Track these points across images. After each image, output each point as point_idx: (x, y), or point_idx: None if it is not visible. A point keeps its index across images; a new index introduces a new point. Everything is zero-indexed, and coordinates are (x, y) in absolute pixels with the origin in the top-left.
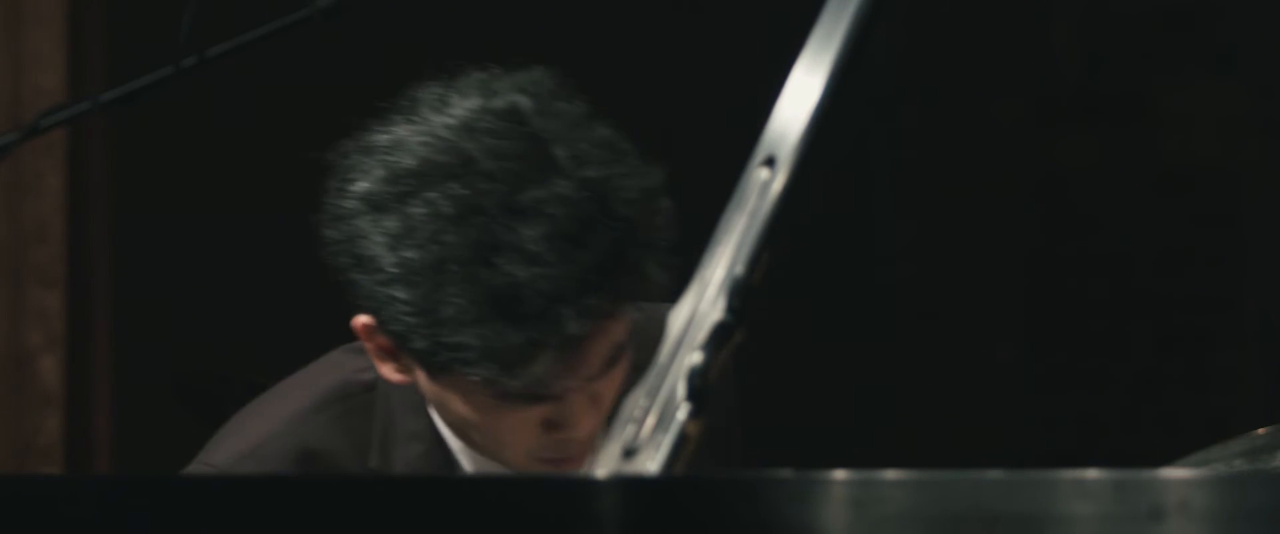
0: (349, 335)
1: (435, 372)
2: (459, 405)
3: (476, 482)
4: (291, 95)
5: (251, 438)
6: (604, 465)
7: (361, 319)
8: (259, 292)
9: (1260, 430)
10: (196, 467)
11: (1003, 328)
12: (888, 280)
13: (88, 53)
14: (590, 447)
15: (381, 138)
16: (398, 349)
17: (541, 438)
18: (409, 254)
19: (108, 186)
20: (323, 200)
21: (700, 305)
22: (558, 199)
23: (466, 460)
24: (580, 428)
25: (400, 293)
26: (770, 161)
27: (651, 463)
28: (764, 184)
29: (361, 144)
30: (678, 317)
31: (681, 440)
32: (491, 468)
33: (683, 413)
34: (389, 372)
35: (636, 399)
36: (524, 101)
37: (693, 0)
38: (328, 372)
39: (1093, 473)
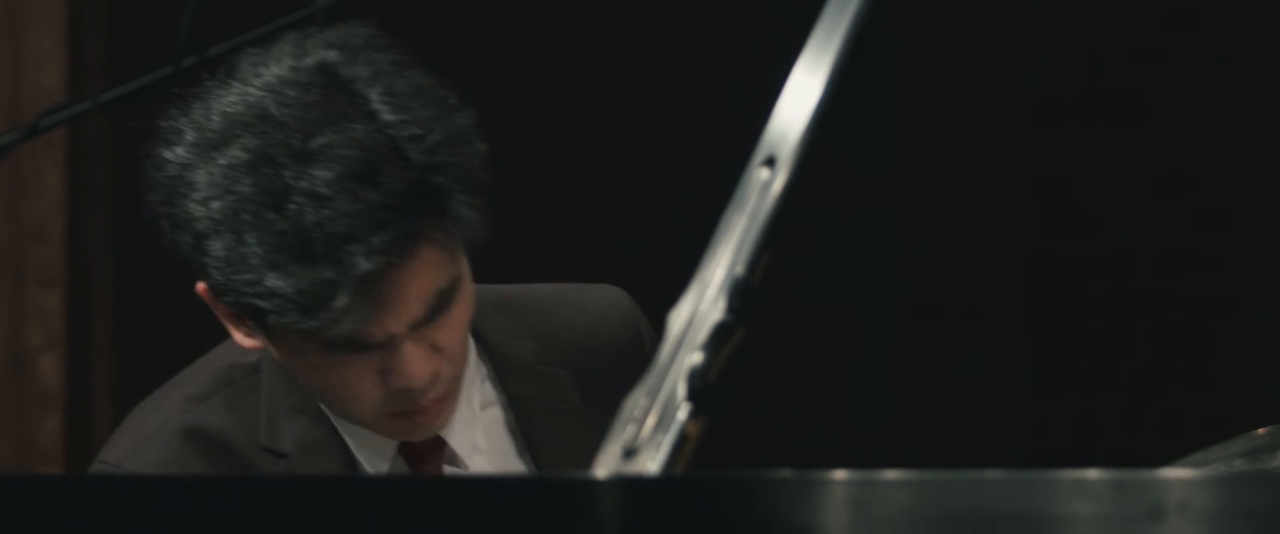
0: None
1: (259, 328)
2: (297, 363)
3: (476, 482)
4: None
5: (142, 430)
6: (604, 465)
7: (200, 285)
8: None
9: (1260, 430)
10: (96, 466)
11: (1003, 328)
12: (888, 280)
13: (88, 53)
14: (446, 401)
15: (195, 104)
16: (237, 318)
17: (384, 391)
18: (214, 206)
19: (108, 186)
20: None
21: (700, 305)
22: (349, 142)
23: (345, 430)
24: (416, 377)
25: (210, 247)
26: (770, 161)
27: (651, 463)
28: (764, 184)
29: (175, 111)
30: (678, 317)
31: (681, 440)
32: (368, 432)
33: (683, 413)
34: (241, 338)
35: (636, 399)
36: (331, 55)
37: (693, 0)
38: (214, 359)
39: (1093, 473)
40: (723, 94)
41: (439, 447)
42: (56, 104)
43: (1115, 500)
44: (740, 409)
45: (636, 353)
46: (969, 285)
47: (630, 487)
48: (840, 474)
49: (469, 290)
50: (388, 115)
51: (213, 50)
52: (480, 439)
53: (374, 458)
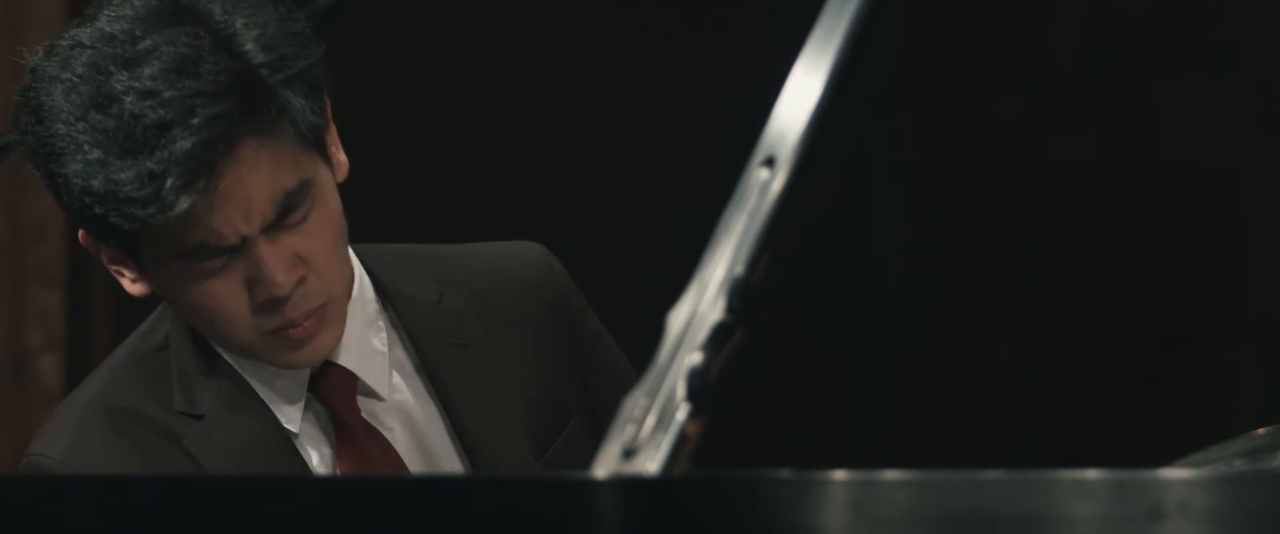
0: None
1: (127, 254)
2: (173, 290)
3: (476, 482)
4: None
5: (63, 419)
6: (604, 465)
7: (81, 231)
8: None
9: (1260, 430)
10: (24, 461)
11: (1003, 328)
12: (888, 280)
13: None
14: (325, 323)
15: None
16: (102, 244)
17: (252, 304)
18: (59, 129)
19: None
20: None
21: (700, 305)
22: (175, 40)
23: (255, 381)
24: (277, 282)
25: (66, 173)
26: (770, 161)
27: (651, 463)
28: (764, 184)
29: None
30: (677, 316)
31: (681, 440)
32: (278, 381)
33: (683, 413)
34: (128, 285)
35: (636, 399)
36: None
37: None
38: (122, 349)
39: (1093, 473)
40: (722, 94)
41: (350, 384)
42: None
43: (1115, 500)
44: (740, 409)
45: (550, 288)
46: (969, 285)
47: (630, 487)
48: (840, 474)
49: (332, 204)
50: (219, 17)
51: None
52: (397, 380)
53: (286, 407)
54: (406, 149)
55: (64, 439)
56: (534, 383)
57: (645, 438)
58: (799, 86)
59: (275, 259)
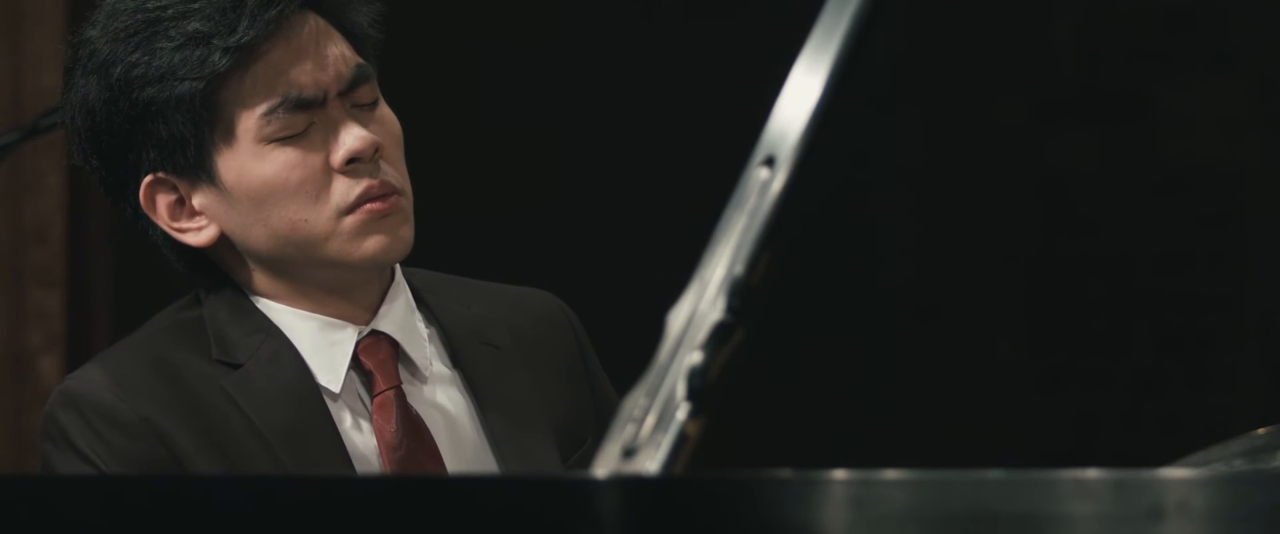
0: None
1: (200, 167)
2: (246, 178)
3: (477, 482)
4: None
5: (98, 361)
6: (604, 465)
7: (145, 182)
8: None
9: (1260, 430)
10: (59, 390)
11: (1003, 328)
12: (888, 280)
13: None
14: (403, 212)
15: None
16: (177, 173)
17: (335, 171)
18: (134, 58)
19: None
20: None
21: (700, 305)
22: None
23: (300, 339)
24: (361, 141)
25: (140, 61)
26: (770, 161)
27: (651, 463)
28: (764, 184)
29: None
30: (677, 316)
31: (681, 440)
32: (323, 344)
33: (683, 413)
34: (192, 235)
35: (636, 399)
36: None
37: (693, 0)
38: (148, 323)
39: (1093, 473)
40: (723, 94)
41: (393, 352)
42: (57, 104)
43: (1115, 500)
44: (740, 409)
45: (563, 321)
46: (969, 285)
47: (630, 487)
48: (840, 474)
49: (392, 117)
50: None
51: None
52: (435, 368)
53: (329, 368)
54: (408, 148)
55: (103, 371)
56: (555, 396)
57: (645, 438)
58: (799, 86)
59: (355, 125)
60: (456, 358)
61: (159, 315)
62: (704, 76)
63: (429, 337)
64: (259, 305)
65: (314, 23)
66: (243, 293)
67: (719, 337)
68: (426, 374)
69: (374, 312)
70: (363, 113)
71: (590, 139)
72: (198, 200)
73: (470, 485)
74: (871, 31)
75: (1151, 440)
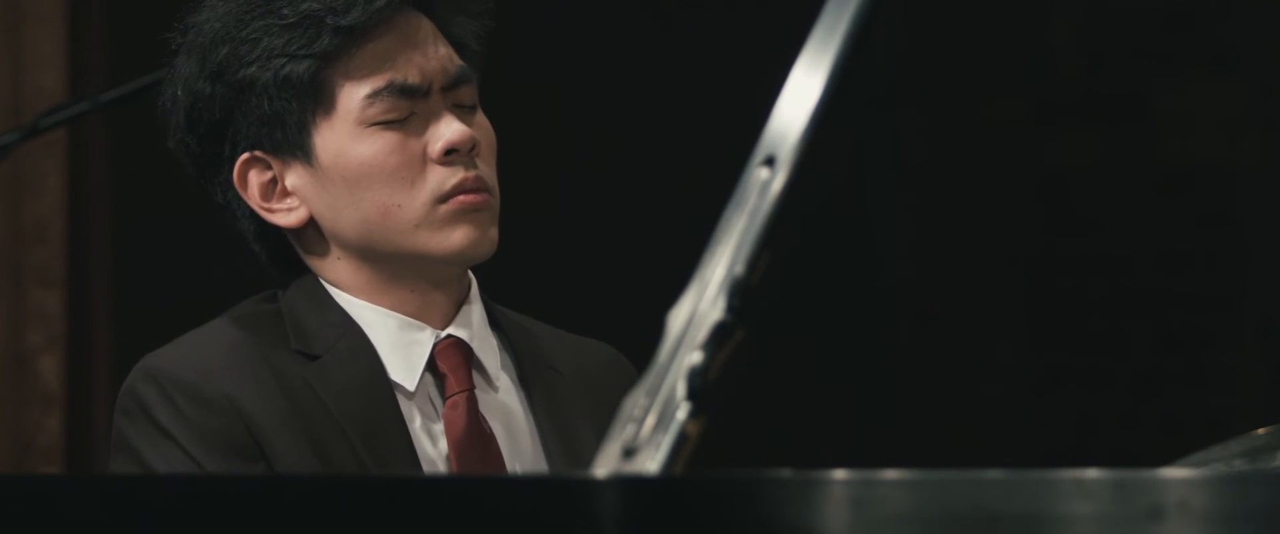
0: None
1: (298, 146)
2: (345, 157)
3: (476, 482)
4: None
5: (176, 344)
6: (604, 465)
7: (240, 160)
8: (258, 291)
9: (1260, 430)
10: (139, 367)
11: (1003, 328)
12: (888, 280)
13: (88, 53)
14: (492, 210)
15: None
16: (275, 151)
17: (432, 161)
18: (244, 34)
19: (108, 186)
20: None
21: (700, 305)
22: None
23: (379, 336)
24: (459, 134)
25: (251, 36)
26: (770, 161)
27: (651, 463)
28: (764, 184)
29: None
30: (678, 316)
31: (681, 440)
32: (401, 341)
33: (683, 413)
34: (282, 216)
35: (636, 399)
36: None
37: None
38: (230, 311)
39: (1092, 473)
40: (723, 94)
41: (467, 357)
42: (56, 104)
43: (1115, 500)
44: (740, 409)
45: (625, 369)
46: (969, 285)
47: (630, 487)
48: (840, 474)
49: (489, 125)
50: None
51: None
52: (504, 381)
53: (405, 367)
54: None
55: (185, 351)
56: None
57: (645, 438)
58: (799, 86)
59: (454, 120)
60: (522, 376)
61: (235, 307)
62: (704, 76)
63: (499, 350)
64: (338, 300)
65: (423, 23)
66: (322, 287)
67: (719, 337)
68: (495, 384)
69: (450, 318)
70: (462, 112)
71: (590, 139)
72: (291, 180)
73: (470, 485)
74: (871, 31)
75: (1151, 440)
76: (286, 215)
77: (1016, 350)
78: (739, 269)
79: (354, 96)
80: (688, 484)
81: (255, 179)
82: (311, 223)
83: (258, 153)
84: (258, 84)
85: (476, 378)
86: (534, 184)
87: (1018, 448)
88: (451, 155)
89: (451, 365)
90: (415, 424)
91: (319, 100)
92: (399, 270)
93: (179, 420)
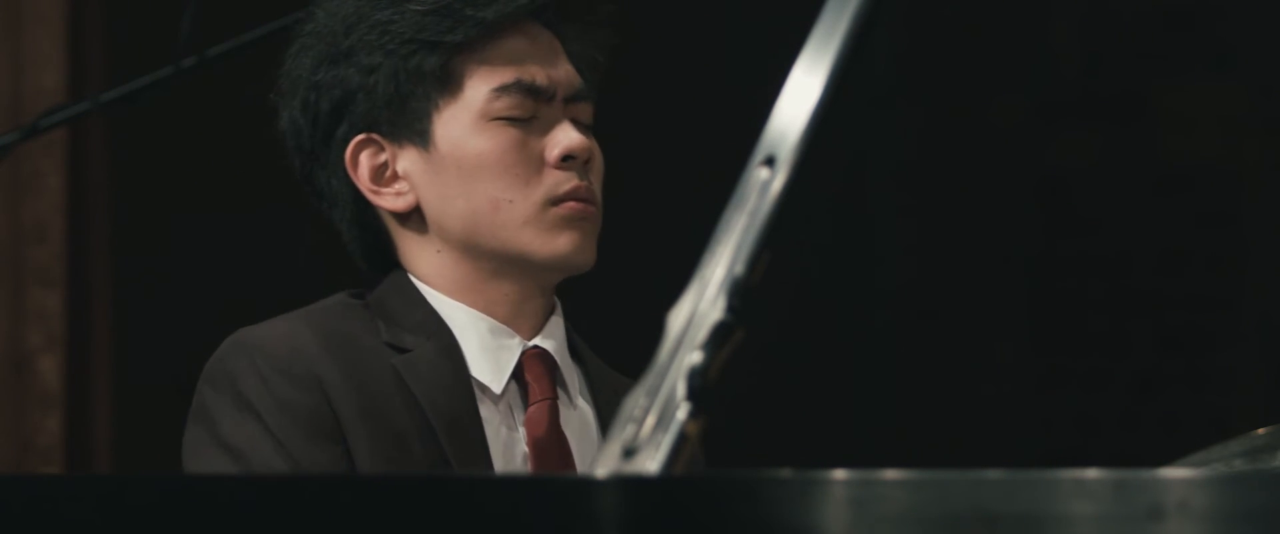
0: None
1: (416, 131)
2: (462, 148)
3: (476, 482)
4: None
5: (268, 323)
6: (604, 465)
7: (355, 140)
8: (259, 292)
9: (1260, 430)
10: (232, 339)
11: (1003, 328)
12: (888, 280)
13: (88, 53)
14: (596, 220)
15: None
16: (392, 134)
17: (547, 164)
18: (380, 16)
19: (108, 186)
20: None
21: (700, 305)
22: None
23: (469, 339)
24: (576, 142)
25: (389, 20)
26: (770, 161)
27: (651, 463)
28: (764, 184)
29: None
30: (677, 316)
31: (681, 440)
32: (490, 345)
33: (683, 413)
34: (390, 199)
35: (636, 399)
36: None
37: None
38: (321, 302)
39: (1093, 473)
40: (723, 94)
41: (552, 368)
42: (56, 104)
43: (1115, 500)
44: (740, 409)
45: None
46: (969, 285)
47: (630, 487)
48: (840, 474)
49: (599, 149)
50: None
51: (213, 50)
52: (580, 401)
53: (493, 370)
54: None
55: (278, 328)
56: None
57: (645, 438)
58: (799, 86)
59: (573, 129)
60: (595, 397)
61: (323, 300)
62: (704, 76)
63: (575, 368)
64: (430, 298)
65: (551, 37)
66: (413, 285)
67: (719, 336)
68: (573, 399)
69: (538, 329)
70: (581, 129)
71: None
72: (403, 165)
73: (471, 485)
74: (871, 31)
75: (1151, 440)
76: (394, 199)
77: (1016, 350)
78: (739, 269)
79: (481, 89)
80: (688, 484)
81: (367, 161)
82: (416, 212)
83: (374, 134)
84: (385, 67)
85: (557, 389)
86: None
87: (1018, 448)
88: (567, 162)
89: (536, 374)
90: (494, 427)
91: (445, 88)
92: (498, 269)
93: (265, 393)
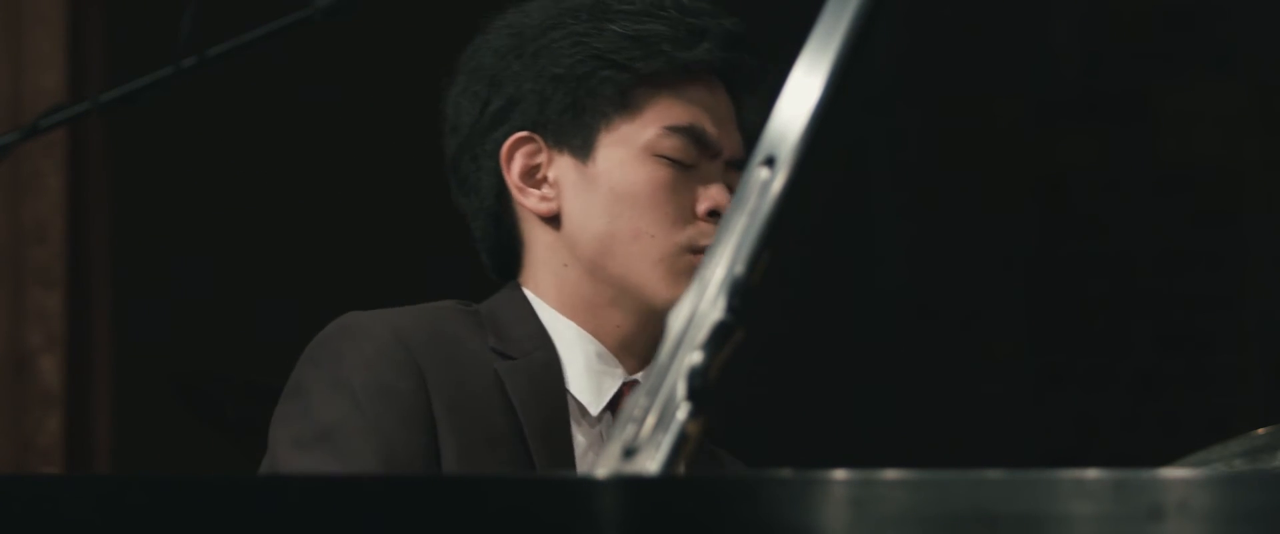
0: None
1: (584, 139)
2: (614, 174)
3: (477, 482)
4: (291, 95)
5: (386, 312)
6: (604, 465)
7: (517, 136)
8: (259, 292)
9: (1260, 430)
10: (342, 319)
11: (1003, 328)
12: (888, 280)
13: (88, 53)
14: None
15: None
16: (555, 140)
17: (694, 213)
18: (579, 27)
19: (108, 186)
20: (453, 66)
21: (700, 305)
22: None
23: (575, 358)
24: (724, 208)
25: (600, 28)
26: (770, 161)
27: (651, 463)
28: (764, 184)
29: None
30: (678, 316)
31: (681, 440)
32: (596, 367)
33: (683, 413)
34: (535, 202)
35: (636, 399)
36: None
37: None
38: (432, 303)
39: (1093, 473)
40: None
41: None
42: (56, 104)
43: (1115, 500)
44: (741, 409)
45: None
46: (969, 285)
47: (630, 487)
48: (840, 474)
49: None
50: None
51: (213, 50)
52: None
53: (594, 392)
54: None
55: (387, 317)
56: None
57: (645, 438)
58: (799, 86)
59: (722, 190)
60: None
61: (435, 302)
62: None
63: None
64: (542, 315)
65: (729, 102)
66: (525, 299)
67: (719, 337)
68: None
69: (639, 369)
70: (730, 170)
71: None
72: (556, 172)
73: (470, 485)
74: (871, 31)
75: (1151, 440)
76: (538, 202)
77: (1016, 350)
78: (739, 269)
79: (655, 122)
80: (688, 484)
81: (522, 159)
82: (554, 220)
83: (537, 135)
84: (569, 77)
85: None
86: None
87: (1018, 448)
88: (712, 218)
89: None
90: (582, 448)
91: (621, 111)
92: (616, 298)
93: (365, 375)
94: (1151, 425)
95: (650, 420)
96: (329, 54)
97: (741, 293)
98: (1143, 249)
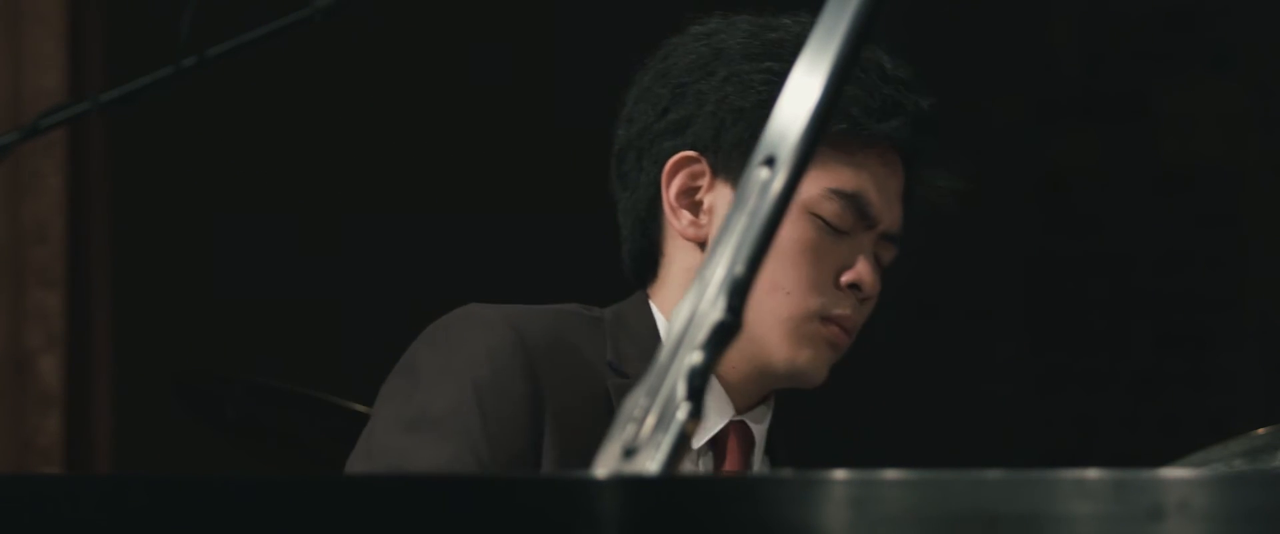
0: (352, 334)
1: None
2: (781, 229)
3: (477, 482)
4: (291, 96)
5: (510, 308)
6: (604, 465)
7: (685, 153)
8: (259, 291)
9: (1260, 430)
10: (463, 309)
11: (1003, 328)
12: (888, 280)
13: (88, 53)
14: (846, 345)
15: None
16: (721, 168)
17: (836, 282)
18: (774, 67)
19: (108, 186)
20: (633, 84)
21: (700, 305)
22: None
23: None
24: (869, 279)
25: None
26: (770, 161)
27: (651, 463)
28: (764, 184)
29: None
30: (678, 316)
31: (681, 440)
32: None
33: (683, 413)
34: (684, 225)
35: (636, 399)
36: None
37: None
38: (559, 305)
39: (1093, 473)
40: None
41: (749, 448)
42: (56, 104)
43: (1115, 500)
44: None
45: None
46: (969, 285)
47: (630, 487)
48: (840, 474)
49: None
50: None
51: (213, 50)
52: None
53: (702, 425)
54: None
55: (511, 313)
56: None
57: (645, 438)
58: (799, 86)
59: (876, 265)
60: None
61: (561, 305)
62: None
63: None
64: (663, 330)
65: (901, 177)
66: (651, 311)
67: (719, 337)
68: None
69: (747, 410)
70: (877, 265)
71: (591, 138)
72: (712, 199)
73: (470, 485)
74: (871, 32)
75: (1151, 440)
76: (687, 226)
77: (1016, 350)
78: (739, 269)
79: (821, 182)
80: (688, 484)
81: (684, 178)
82: (698, 247)
83: (704, 157)
84: (749, 115)
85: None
86: (535, 184)
87: (1018, 448)
88: (854, 290)
89: (734, 447)
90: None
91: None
92: (739, 341)
93: (481, 371)
94: (1151, 425)
95: (650, 420)
96: (329, 54)
97: (741, 293)
98: (1143, 249)
